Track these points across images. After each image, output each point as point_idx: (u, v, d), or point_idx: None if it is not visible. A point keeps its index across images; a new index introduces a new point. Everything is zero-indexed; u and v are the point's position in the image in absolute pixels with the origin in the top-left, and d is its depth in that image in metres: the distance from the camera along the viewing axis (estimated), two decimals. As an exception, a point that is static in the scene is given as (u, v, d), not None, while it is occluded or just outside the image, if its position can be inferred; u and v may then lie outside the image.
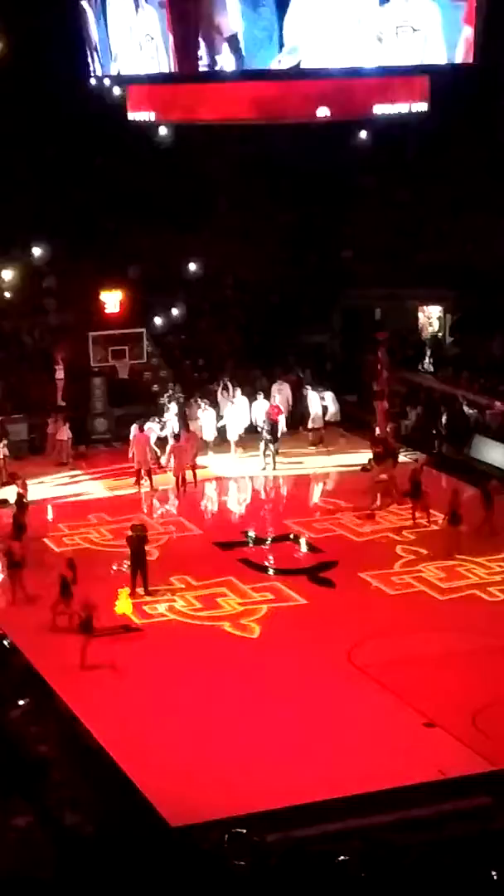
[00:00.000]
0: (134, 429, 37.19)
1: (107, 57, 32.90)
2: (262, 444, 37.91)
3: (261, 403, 39.56)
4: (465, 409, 39.65)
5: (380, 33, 30.86)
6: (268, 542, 32.38)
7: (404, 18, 30.92)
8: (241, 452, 38.71)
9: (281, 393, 40.58)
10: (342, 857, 15.72)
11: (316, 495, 36.09)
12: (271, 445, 37.73)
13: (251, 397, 40.08)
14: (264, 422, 38.42)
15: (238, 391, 40.20)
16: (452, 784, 21.24)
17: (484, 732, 22.79)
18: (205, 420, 39.00)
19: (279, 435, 38.52)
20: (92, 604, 25.83)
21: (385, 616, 27.92)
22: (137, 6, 31.17)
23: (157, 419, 38.39)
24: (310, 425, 40.01)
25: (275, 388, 40.76)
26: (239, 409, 39.65)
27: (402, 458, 36.47)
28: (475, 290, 45.39)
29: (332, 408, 40.50)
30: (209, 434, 38.92)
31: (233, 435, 39.12)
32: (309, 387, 40.97)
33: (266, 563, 30.92)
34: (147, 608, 28.21)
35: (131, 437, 37.11)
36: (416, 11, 30.91)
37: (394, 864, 15.70)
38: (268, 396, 40.15)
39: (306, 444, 39.69)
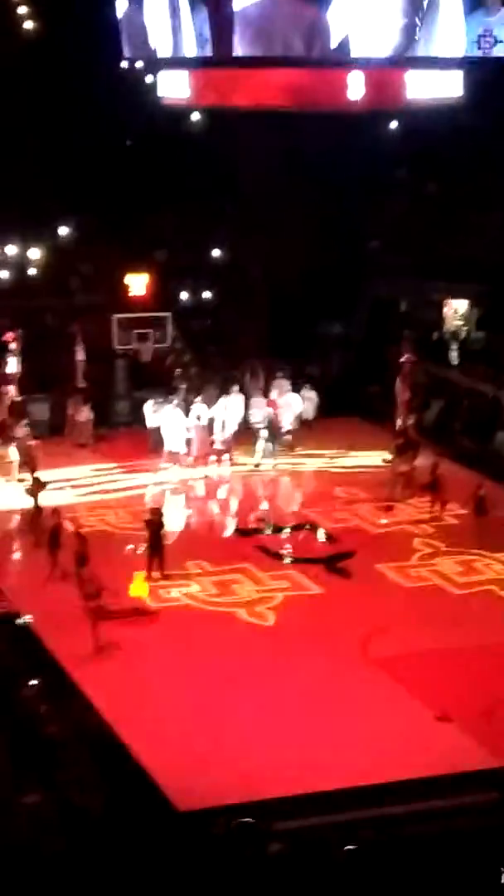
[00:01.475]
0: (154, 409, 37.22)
1: (140, 39, 32.79)
2: (260, 441, 37.45)
3: (258, 399, 39.00)
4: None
5: (417, 24, 30.72)
6: (286, 531, 32.28)
7: (441, 10, 30.80)
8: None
9: (280, 388, 39.87)
10: (349, 847, 15.71)
11: (332, 487, 35.91)
12: (269, 443, 37.37)
13: (249, 392, 39.38)
14: (263, 418, 37.92)
15: (235, 386, 39.26)
16: (462, 778, 21.19)
17: (495, 727, 22.72)
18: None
19: (282, 430, 38.03)
20: (101, 584, 25.82)
21: (400, 608, 27.86)
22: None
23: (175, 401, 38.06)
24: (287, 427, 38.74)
25: (274, 382, 40.29)
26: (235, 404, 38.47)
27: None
28: (502, 284, 45.22)
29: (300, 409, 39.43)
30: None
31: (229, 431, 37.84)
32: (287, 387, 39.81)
33: (283, 552, 30.87)
34: (162, 592, 28.20)
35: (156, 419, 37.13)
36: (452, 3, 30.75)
37: (400, 855, 15.68)
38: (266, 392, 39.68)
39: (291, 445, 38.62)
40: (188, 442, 36.93)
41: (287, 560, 30.36)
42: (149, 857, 16.12)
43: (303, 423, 39.57)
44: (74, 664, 24.65)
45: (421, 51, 31.28)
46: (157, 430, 37.35)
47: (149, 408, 37.83)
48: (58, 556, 28.74)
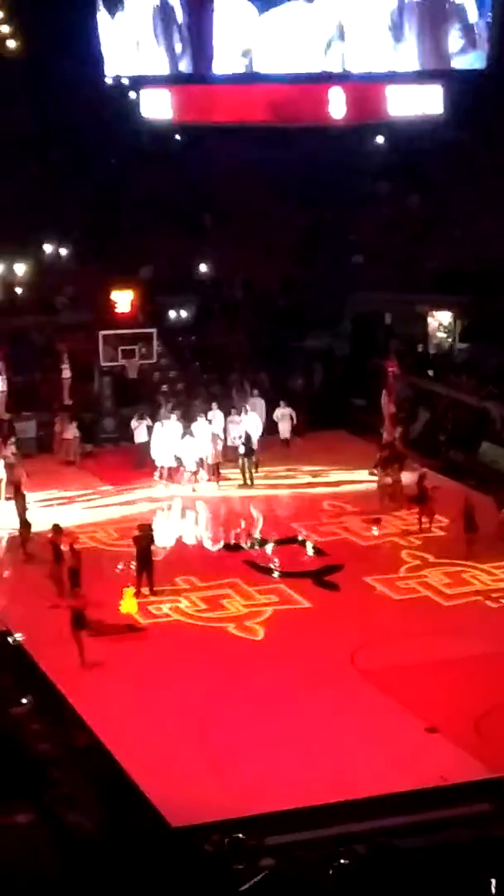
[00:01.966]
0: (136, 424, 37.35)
1: (122, 57, 32.95)
2: (240, 460, 37.23)
3: (234, 419, 38.53)
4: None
5: (397, 38, 30.90)
6: (274, 545, 32.34)
7: (420, 25, 30.97)
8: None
9: (255, 407, 39.38)
10: (342, 861, 15.74)
11: (319, 500, 35.93)
12: (247, 460, 37.24)
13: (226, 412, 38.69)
14: (239, 437, 37.61)
15: (214, 403, 38.97)
16: (453, 790, 21.26)
17: (485, 738, 22.81)
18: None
19: (254, 448, 37.52)
20: (84, 597, 25.88)
21: (389, 621, 27.94)
22: (154, 8, 31.22)
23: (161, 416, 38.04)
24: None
25: (249, 400, 39.87)
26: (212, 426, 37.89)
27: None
28: (485, 296, 45.40)
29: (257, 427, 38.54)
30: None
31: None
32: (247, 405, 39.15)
33: (271, 566, 30.95)
34: (152, 608, 28.26)
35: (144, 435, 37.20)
36: (434, 18, 30.92)
37: (393, 868, 15.71)
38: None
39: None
40: (177, 458, 36.92)
41: (276, 574, 30.44)
42: (142, 874, 16.13)
43: (281, 442, 39.30)
44: (66, 682, 24.69)
45: (402, 66, 31.48)
46: (143, 445, 37.43)
47: (134, 424, 37.91)
48: (62, 569, 28.76)
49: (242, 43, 30.72)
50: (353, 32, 30.74)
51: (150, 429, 37.60)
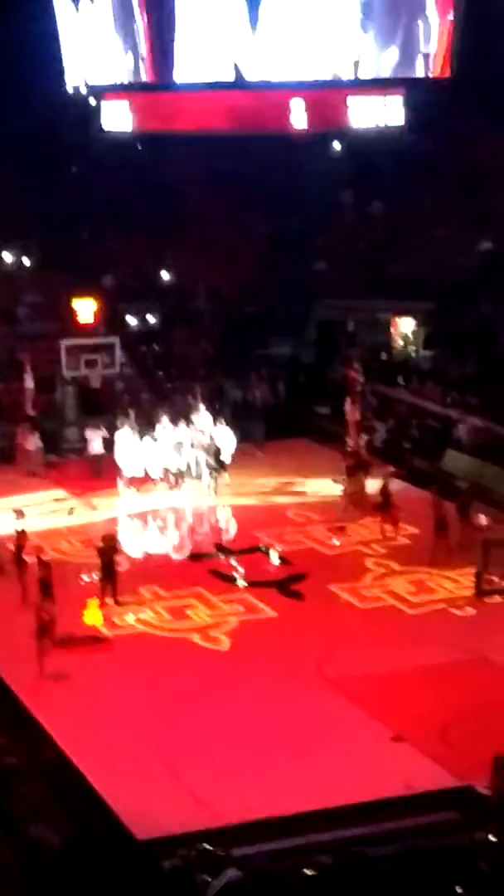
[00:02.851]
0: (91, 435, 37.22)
1: (82, 66, 32.85)
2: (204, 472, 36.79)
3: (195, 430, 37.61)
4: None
5: (359, 47, 30.88)
6: (238, 554, 32.23)
7: (383, 33, 30.96)
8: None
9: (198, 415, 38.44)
10: (308, 872, 15.65)
11: (283, 509, 35.81)
12: (214, 473, 36.84)
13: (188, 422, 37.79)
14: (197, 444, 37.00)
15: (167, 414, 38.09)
16: (419, 798, 21.20)
17: (451, 747, 22.78)
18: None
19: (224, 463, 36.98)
20: (51, 610, 25.69)
21: (355, 629, 27.87)
22: (115, 16, 31.13)
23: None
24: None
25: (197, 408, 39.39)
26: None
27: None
28: (448, 303, 45.48)
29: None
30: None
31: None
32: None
33: (236, 575, 30.83)
34: (116, 619, 28.11)
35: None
36: (395, 26, 30.94)
37: (360, 878, 15.63)
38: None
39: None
40: (139, 467, 36.74)
41: (240, 584, 30.33)
42: (108, 888, 15.99)
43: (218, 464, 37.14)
44: (28, 693, 24.56)
45: (361, 74, 31.47)
46: (98, 456, 37.21)
47: (89, 434, 37.70)
48: (24, 578, 28.62)
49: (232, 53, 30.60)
50: (315, 39, 30.71)
51: (106, 440, 37.35)
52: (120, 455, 36.77)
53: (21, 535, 30.13)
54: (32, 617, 26.15)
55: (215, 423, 37.76)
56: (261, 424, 40.51)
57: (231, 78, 30.57)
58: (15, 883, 16.63)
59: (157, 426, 37.36)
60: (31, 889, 16.45)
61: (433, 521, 31.23)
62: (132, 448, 36.73)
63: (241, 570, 31.12)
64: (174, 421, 37.71)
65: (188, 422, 37.86)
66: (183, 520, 35.22)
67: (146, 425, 37.55)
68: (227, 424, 38.14)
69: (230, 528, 34.39)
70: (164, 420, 37.67)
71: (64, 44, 32.84)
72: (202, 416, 38.25)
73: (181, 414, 38.37)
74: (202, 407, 38.75)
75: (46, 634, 25.44)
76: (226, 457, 37.05)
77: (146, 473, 36.73)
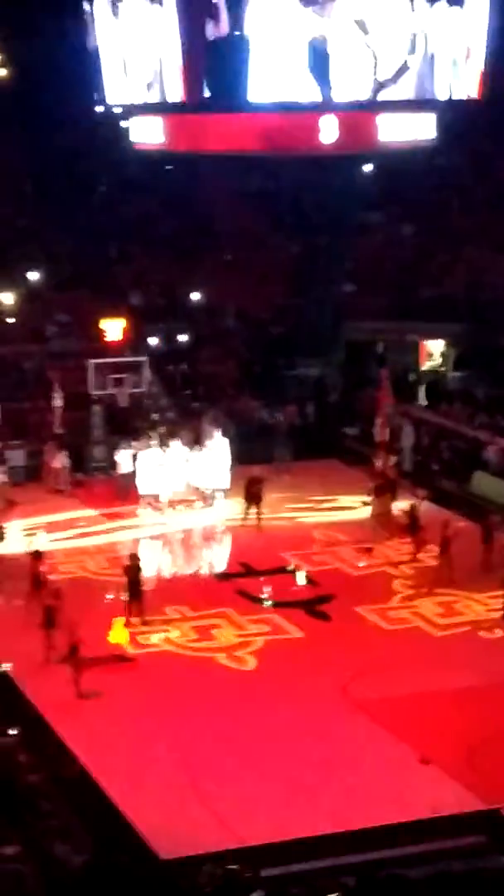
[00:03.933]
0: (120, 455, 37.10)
1: (114, 84, 32.85)
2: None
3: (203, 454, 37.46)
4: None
5: (391, 68, 30.80)
6: (265, 575, 32.09)
7: (415, 53, 30.89)
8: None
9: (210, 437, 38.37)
10: (334, 895, 15.53)
11: (311, 530, 35.68)
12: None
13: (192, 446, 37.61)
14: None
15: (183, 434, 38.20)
16: (446, 822, 21.04)
17: (478, 770, 22.61)
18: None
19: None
20: (76, 631, 25.58)
21: (381, 651, 27.72)
22: (148, 35, 31.12)
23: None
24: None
25: (206, 430, 39.04)
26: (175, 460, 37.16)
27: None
28: (477, 324, 45.38)
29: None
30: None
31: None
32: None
33: (263, 596, 30.70)
34: (141, 638, 28.02)
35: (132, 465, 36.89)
36: (427, 46, 30.85)
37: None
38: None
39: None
40: (165, 487, 36.66)
41: (267, 604, 30.22)
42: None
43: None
44: (54, 713, 24.47)
45: (394, 94, 31.36)
46: (126, 475, 37.10)
47: (120, 454, 37.58)
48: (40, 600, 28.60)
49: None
50: (346, 60, 30.64)
51: (134, 458, 37.28)
52: (142, 474, 36.63)
53: (37, 557, 30.00)
54: (61, 637, 26.12)
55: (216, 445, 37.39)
56: (287, 447, 40.24)
57: (263, 100, 30.39)
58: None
59: (173, 446, 37.21)
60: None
61: (440, 540, 31.12)
62: (153, 467, 36.58)
63: (268, 590, 30.97)
64: (186, 442, 37.58)
65: (197, 443, 37.63)
66: (209, 539, 35.19)
67: (168, 445, 37.43)
68: (242, 445, 37.97)
69: (258, 548, 34.20)
70: (178, 440, 37.53)
71: (96, 62, 32.80)
72: (211, 437, 37.91)
73: (192, 435, 38.25)
74: (213, 429, 38.49)
75: (75, 656, 25.31)
76: (222, 480, 36.84)
77: (172, 492, 36.64)
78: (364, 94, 30.98)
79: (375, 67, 30.66)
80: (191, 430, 39.26)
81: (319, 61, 30.03)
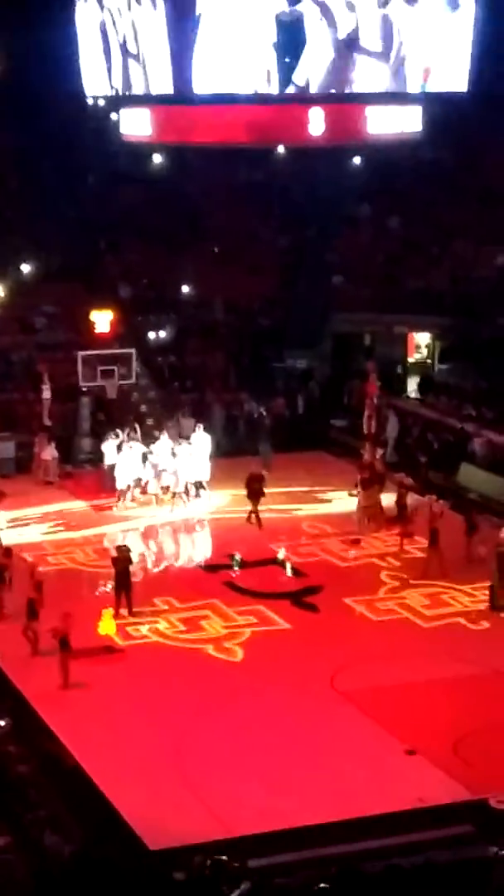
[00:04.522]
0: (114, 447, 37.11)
1: (103, 77, 32.87)
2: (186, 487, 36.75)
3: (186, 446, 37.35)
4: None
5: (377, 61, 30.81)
6: (252, 566, 32.19)
7: (401, 47, 30.90)
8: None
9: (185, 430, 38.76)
10: (322, 885, 15.62)
11: (299, 522, 35.77)
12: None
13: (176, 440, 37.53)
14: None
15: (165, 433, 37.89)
16: (433, 812, 21.17)
17: (465, 760, 22.74)
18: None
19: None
20: (68, 621, 25.63)
21: (368, 642, 27.82)
22: (136, 26, 31.13)
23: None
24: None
25: (182, 423, 39.46)
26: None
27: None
28: (464, 317, 45.47)
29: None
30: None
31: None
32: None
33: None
34: (130, 629, 28.11)
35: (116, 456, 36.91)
36: (412, 39, 30.87)
37: (372, 892, 15.60)
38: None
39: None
40: (151, 478, 36.69)
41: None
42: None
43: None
44: (43, 703, 24.54)
45: (381, 86, 31.39)
46: (113, 467, 37.16)
47: (107, 446, 37.61)
48: (3, 593, 28.64)
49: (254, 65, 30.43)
50: (332, 51, 30.65)
51: (119, 449, 37.31)
52: (124, 466, 36.62)
53: (6, 553, 29.98)
54: (50, 629, 26.20)
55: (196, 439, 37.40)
56: (269, 442, 40.06)
57: (252, 90, 30.38)
58: (28, 891, 16.64)
59: (159, 438, 37.26)
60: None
61: (428, 530, 31.24)
62: (137, 460, 36.59)
63: (256, 581, 31.04)
64: (171, 435, 37.61)
65: (180, 436, 37.65)
66: (197, 531, 35.29)
67: (154, 438, 37.47)
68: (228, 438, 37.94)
69: (245, 540, 34.26)
70: (164, 433, 37.59)
71: (83, 54, 32.80)
72: (190, 430, 37.89)
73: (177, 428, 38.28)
74: (192, 423, 38.48)
75: (66, 647, 25.37)
76: (203, 473, 36.85)
77: (157, 484, 36.68)
78: (352, 87, 31.03)
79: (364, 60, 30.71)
80: (175, 423, 39.36)
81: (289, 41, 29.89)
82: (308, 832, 20.48)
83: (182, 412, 40.60)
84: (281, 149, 44.84)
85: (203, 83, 30.02)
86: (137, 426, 38.03)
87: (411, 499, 34.03)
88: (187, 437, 37.58)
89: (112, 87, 32.60)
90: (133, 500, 36.50)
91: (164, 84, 30.77)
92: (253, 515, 34.77)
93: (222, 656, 27.07)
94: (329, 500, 37.12)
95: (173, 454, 36.62)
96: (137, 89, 31.73)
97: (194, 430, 37.77)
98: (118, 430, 37.71)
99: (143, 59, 31.23)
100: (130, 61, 31.69)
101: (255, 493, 34.86)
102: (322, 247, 49.32)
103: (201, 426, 37.98)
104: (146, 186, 48.52)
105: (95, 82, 33.00)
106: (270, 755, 22.98)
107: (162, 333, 46.17)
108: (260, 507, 35.12)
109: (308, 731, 23.86)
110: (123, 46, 31.67)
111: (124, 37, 31.61)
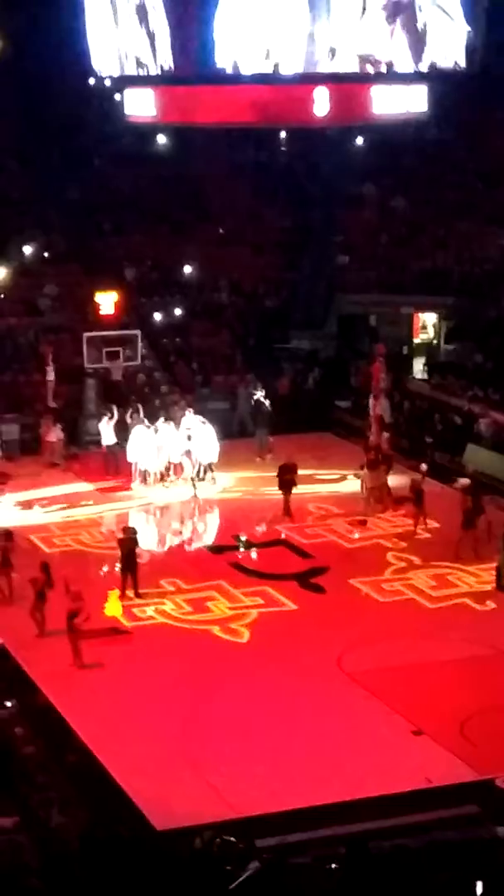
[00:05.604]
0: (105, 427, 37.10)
1: (107, 56, 32.75)
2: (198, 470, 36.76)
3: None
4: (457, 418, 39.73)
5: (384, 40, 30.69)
6: (259, 547, 32.21)
7: (407, 25, 30.79)
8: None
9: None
10: (332, 865, 15.66)
11: (305, 503, 35.70)
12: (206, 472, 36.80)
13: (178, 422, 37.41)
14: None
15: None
16: (439, 792, 21.19)
17: (471, 741, 22.75)
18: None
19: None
20: (78, 602, 25.63)
21: (375, 623, 27.83)
22: (140, 5, 31.03)
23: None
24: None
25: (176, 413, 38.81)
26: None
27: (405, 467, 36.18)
28: (469, 297, 45.39)
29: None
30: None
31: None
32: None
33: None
34: (136, 611, 28.12)
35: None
36: (419, 18, 30.76)
37: (380, 871, 15.63)
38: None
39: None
40: (159, 460, 36.67)
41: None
42: (127, 878, 16.01)
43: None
44: (49, 684, 24.57)
45: (385, 67, 31.28)
46: (111, 447, 37.11)
47: (103, 426, 37.58)
48: (8, 576, 28.61)
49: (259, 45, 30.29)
50: (337, 30, 30.51)
51: (118, 431, 37.22)
52: (132, 448, 36.58)
53: (7, 536, 29.92)
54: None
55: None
56: (265, 428, 39.66)
57: (255, 70, 30.26)
58: (36, 871, 16.67)
59: (174, 419, 37.27)
60: (51, 878, 16.49)
61: (462, 513, 31.18)
62: (143, 441, 36.54)
63: (262, 562, 31.04)
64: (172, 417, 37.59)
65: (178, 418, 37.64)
66: (203, 512, 35.27)
67: (162, 419, 37.41)
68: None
69: (251, 521, 34.23)
70: (175, 413, 37.58)
71: (88, 34, 32.70)
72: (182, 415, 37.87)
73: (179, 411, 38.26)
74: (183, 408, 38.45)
75: (73, 628, 25.38)
76: (212, 455, 36.84)
77: (169, 465, 36.65)
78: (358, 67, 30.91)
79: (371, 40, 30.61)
80: (178, 405, 39.30)
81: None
82: (315, 812, 20.50)
83: (175, 398, 40.42)
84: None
85: (210, 62, 29.94)
86: (140, 406, 37.99)
87: (426, 484, 33.83)
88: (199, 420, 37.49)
89: (118, 66, 32.48)
90: (164, 480, 36.36)
91: (171, 62, 30.70)
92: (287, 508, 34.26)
93: (229, 637, 27.09)
94: (335, 481, 37.06)
95: (188, 437, 36.58)
96: (143, 70, 31.65)
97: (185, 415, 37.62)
98: (113, 410, 37.70)
99: (149, 40, 31.14)
100: (136, 41, 31.60)
101: (286, 484, 34.37)
102: (327, 228, 49.21)
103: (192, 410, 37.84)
104: (150, 167, 48.42)
105: (100, 62, 32.90)
106: (277, 736, 23.00)
107: (167, 315, 46.08)
108: (264, 487, 35.02)
109: (314, 712, 23.88)
110: (129, 26, 31.59)
111: (130, 16, 31.53)
